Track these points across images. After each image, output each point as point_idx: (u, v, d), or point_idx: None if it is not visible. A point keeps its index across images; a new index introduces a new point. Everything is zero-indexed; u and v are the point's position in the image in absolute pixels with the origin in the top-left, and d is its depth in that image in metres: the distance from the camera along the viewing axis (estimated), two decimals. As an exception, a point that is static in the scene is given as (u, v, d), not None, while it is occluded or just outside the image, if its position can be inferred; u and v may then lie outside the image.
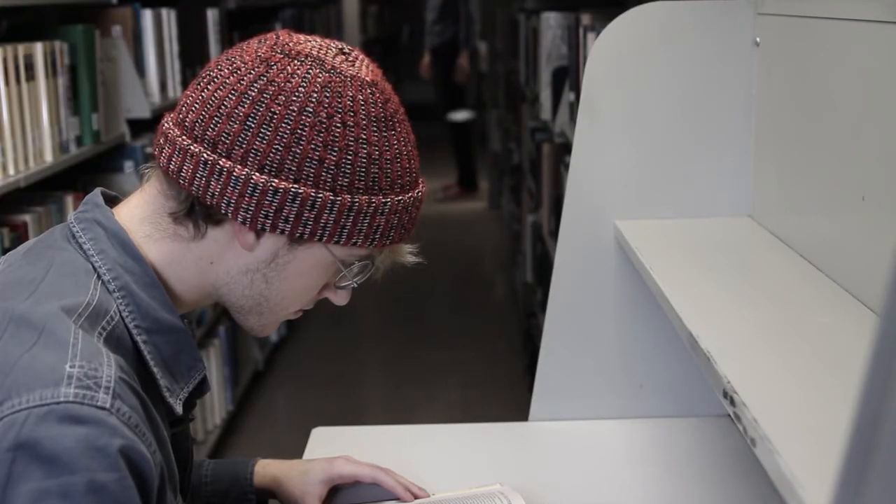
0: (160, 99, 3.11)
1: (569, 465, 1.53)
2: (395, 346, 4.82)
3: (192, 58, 3.38)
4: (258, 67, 0.98)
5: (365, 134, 0.99)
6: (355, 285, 1.08)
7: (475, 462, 1.54)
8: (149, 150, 2.95)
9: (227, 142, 0.96)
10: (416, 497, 1.35)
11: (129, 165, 2.88)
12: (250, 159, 0.96)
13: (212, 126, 0.97)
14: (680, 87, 1.58)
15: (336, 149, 0.97)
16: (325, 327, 5.12)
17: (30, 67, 2.27)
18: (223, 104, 0.97)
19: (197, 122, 0.98)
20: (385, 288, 5.64)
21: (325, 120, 0.97)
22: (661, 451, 1.56)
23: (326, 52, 1.01)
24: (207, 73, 1.01)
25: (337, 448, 1.40)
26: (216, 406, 3.58)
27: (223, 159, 0.96)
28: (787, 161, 1.46)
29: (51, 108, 2.36)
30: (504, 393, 4.07)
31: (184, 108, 1.00)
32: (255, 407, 4.04)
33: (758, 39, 1.55)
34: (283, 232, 0.99)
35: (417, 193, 1.07)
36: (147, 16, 3.05)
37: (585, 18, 2.66)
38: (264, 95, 0.96)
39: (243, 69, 0.98)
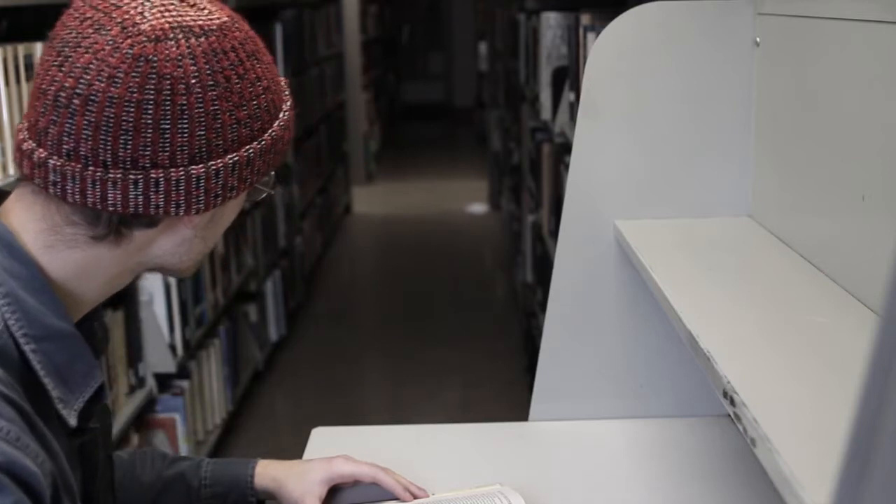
0: (160, 99, 3.10)
1: (569, 465, 1.53)
2: (395, 346, 4.82)
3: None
4: (136, 68, 0.89)
5: (250, 74, 0.97)
6: (271, 192, 1.08)
7: (475, 462, 1.54)
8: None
9: (148, 153, 0.91)
10: (415, 497, 1.35)
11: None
12: (178, 157, 0.92)
13: (122, 147, 0.90)
14: (680, 87, 1.58)
15: (244, 102, 0.95)
16: (325, 327, 5.12)
17: (30, 67, 2.27)
18: (123, 121, 0.90)
19: (100, 148, 0.90)
20: (385, 288, 5.65)
21: (225, 82, 0.94)
22: (661, 451, 1.56)
23: (178, 13, 0.93)
24: (73, 91, 0.90)
25: (337, 448, 1.40)
26: (216, 406, 3.58)
27: (153, 171, 0.91)
28: (787, 161, 1.46)
29: (51, 108, 2.36)
30: (504, 393, 4.07)
31: (67, 139, 0.91)
32: (255, 407, 4.04)
33: (758, 39, 1.55)
34: (228, 199, 0.97)
35: (289, 105, 1.04)
36: (147, 16, 3.04)
37: (585, 18, 2.66)
38: (164, 94, 0.90)
39: (120, 76, 0.89)
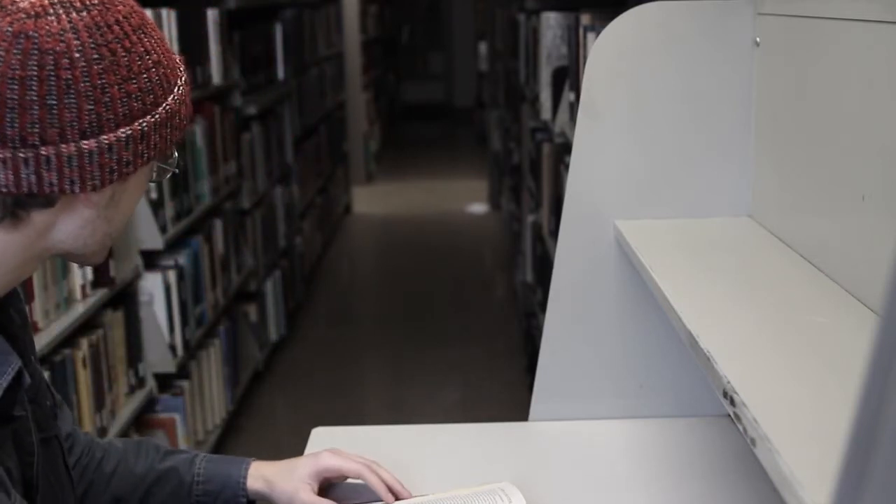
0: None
1: (569, 465, 1.53)
2: (396, 346, 4.82)
3: (192, 58, 3.38)
4: (17, 44, 0.88)
5: (138, 47, 0.95)
6: (175, 171, 1.07)
7: (475, 462, 1.54)
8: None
9: (37, 130, 0.89)
10: (398, 497, 1.35)
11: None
12: (68, 133, 0.90)
13: (8, 125, 0.88)
14: (680, 87, 1.58)
15: (133, 76, 0.94)
16: (325, 327, 5.13)
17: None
18: (8, 98, 0.88)
19: None
20: (385, 288, 5.63)
21: (111, 55, 0.92)
22: (661, 451, 1.56)
23: None
24: None
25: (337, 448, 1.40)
26: (216, 406, 3.58)
27: (43, 147, 0.90)
28: (787, 161, 1.46)
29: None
30: (504, 393, 4.07)
31: None
32: (255, 407, 4.04)
33: (758, 39, 1.55)
34: (124, 175, 0.95)
35: (184, 81, 1.03)
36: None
37: (585, 18, 2.66)
38: (47, 69, 0.89)
39: (3, 53, 0.88)
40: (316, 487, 1.34)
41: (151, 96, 0.96)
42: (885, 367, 0.44)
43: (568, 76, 3.06)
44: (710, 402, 1.64)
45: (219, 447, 3.53)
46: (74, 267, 2.51)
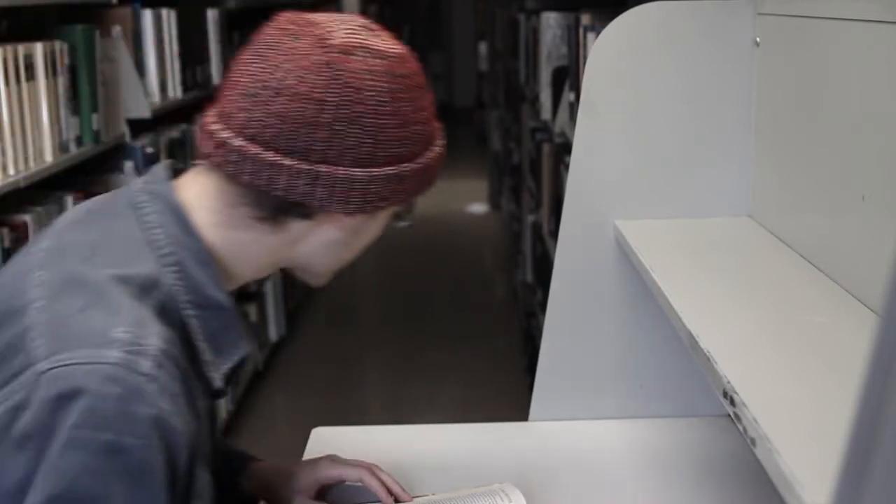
0: (160, 99, 3.11)
1: (569, 465, 1.53)
2: (396, 346, 4.82)
3: (192, 58, 3.38)
4: (324, 72, 1.00)
5: (417, 102, 1.07)
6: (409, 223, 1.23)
7: (475, 462, 1.54)
8: (149, 150, 2.95)
9: (320, 149, 1.01)
10: (398, 500, 1.35)
11: (129, 166, 2.88)
12: (346, 159, 1.02)
13: (300, 138, 1.01)
14: (680, 87, 1.58)
15: (407, 124, 1.05)
16: (325, 327, 5.13)
17: (30, 67, 2.27)
18: (303, 115, 1.00)
19: (280, 136, 1.01)
20: (385, 288, 5.62)
21: (394, 103, 1.03)
22: (661, 451, 1.56)
23: (364, 37, 1.05)
24: (265, 84, 1.02)
25: (337, 448, 1.40)
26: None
27: (321, 165, 1.01)
28: (787, 161, 1.46)
29: (51, 108, 2.36)
30: (504, 393, 4.07)
31: (253, 124, 1.02)
32: (255, 407, 4.04)
33: (758, 39, 1.55)
34: (376, 209, 1.06)
35: (441, 144, 1.14)
36: (147, 16, 3.05)
37: (585, 18, 2.66)
38: (344, 100, 1.00)
39: (309, 77, 1.00)
40: (314, 493, 1.33)
41: (417, 147, 1.07)
42: (885, 367, 0.44)
43: (568, 76, 3.06)
44: (710, 402, 1.64)
45: (219, 447, 3.53)
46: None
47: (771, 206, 1.53)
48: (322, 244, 1.10)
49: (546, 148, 3.49)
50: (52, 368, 0.91)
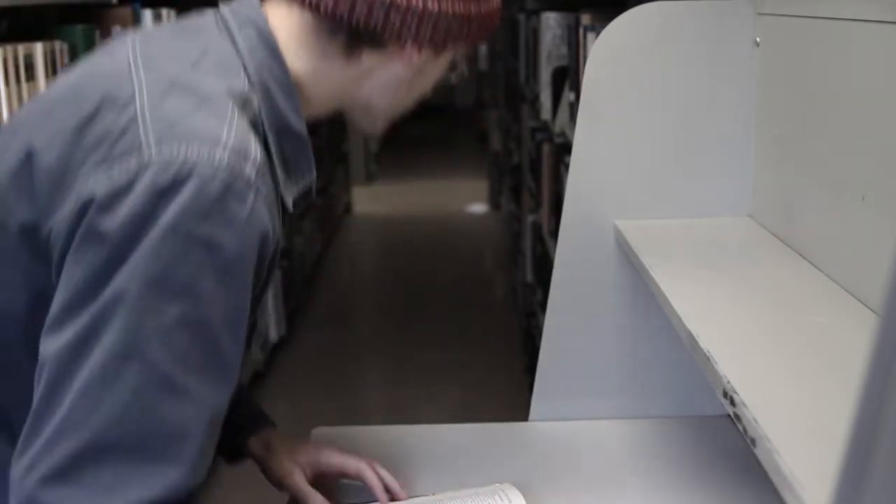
0: (160, 99, 3.10)
1: (569, 465, 1.53)
2: (395, 347, 4.82)
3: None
4: None
5: None
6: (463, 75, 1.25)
7: (475, 462, 1.54)
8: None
9: None
10: (393, 498, 1.35)
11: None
12: None
13: None
14: (680, 87, 1.58)
15: None
16: (325, 327, 5.13)
17: (30, 67, 2.27)
18: None
19: None
20: (385, 288, 5.62)
21: None
22: (661, 451, 1.56)
23: None
24: None
25: (337, 448, 1.40)
26: (216, 406, 3.57)
27: None
28: (787, 161, 1.46)
29: (51, 108, 2.35)
30: (504, 393, 4.07)
31: None
32: (255, 407, 4.04)
33: (758, 39, 1.55)
34: (443, 46, 1.10)
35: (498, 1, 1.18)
36: (147, 16, 3.05)
37: (585, 18, 2.67)
38: None
39: None
40: (310, 475, 1.34)
41: None
42: (885, 367, 0.44)
43: (568, 76, 3.06)
44: (710, 402, 1.64)
45: (219, 447, 3.53)
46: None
47: (771, 206, 1.53)
48: (388, 81, 1.13)
49: (546, 148, 3.49)
50: (161, 159, 0.94)
